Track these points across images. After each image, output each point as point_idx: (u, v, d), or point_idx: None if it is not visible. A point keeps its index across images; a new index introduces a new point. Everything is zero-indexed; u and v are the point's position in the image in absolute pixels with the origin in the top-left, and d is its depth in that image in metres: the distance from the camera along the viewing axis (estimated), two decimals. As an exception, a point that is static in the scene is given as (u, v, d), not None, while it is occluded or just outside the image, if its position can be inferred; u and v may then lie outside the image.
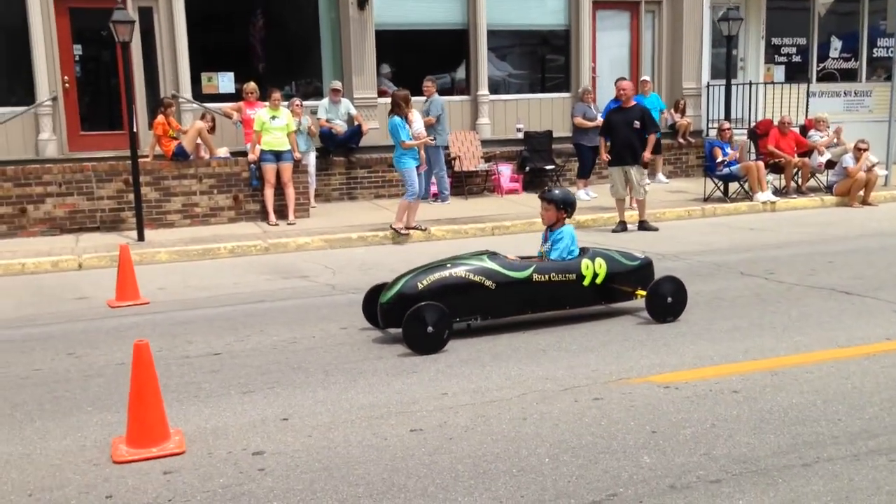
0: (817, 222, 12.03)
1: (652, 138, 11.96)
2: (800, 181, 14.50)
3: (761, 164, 13.72)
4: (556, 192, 7.04)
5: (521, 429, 4.57)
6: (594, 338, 6.30)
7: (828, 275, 8.22)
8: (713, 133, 17.18)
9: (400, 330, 6.21)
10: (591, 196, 14.72)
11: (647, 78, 16.07)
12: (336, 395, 5.22)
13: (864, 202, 13.71)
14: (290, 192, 12.67)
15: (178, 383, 5.53)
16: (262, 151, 12.40)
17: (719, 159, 13.75)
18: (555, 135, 16.15)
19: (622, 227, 11.96)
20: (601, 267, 6.78)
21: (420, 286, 6.33)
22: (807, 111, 16.19)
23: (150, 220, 11.97)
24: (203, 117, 12.95)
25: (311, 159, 13.89)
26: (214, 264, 10.29)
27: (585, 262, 6.76)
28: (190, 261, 10.64)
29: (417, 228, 11.73)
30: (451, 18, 16.24)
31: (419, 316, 6.03)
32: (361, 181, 15.08)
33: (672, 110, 16.96)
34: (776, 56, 18.39)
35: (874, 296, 7.26)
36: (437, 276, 6.39)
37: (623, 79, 13.05)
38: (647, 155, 11.94)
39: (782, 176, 14.44)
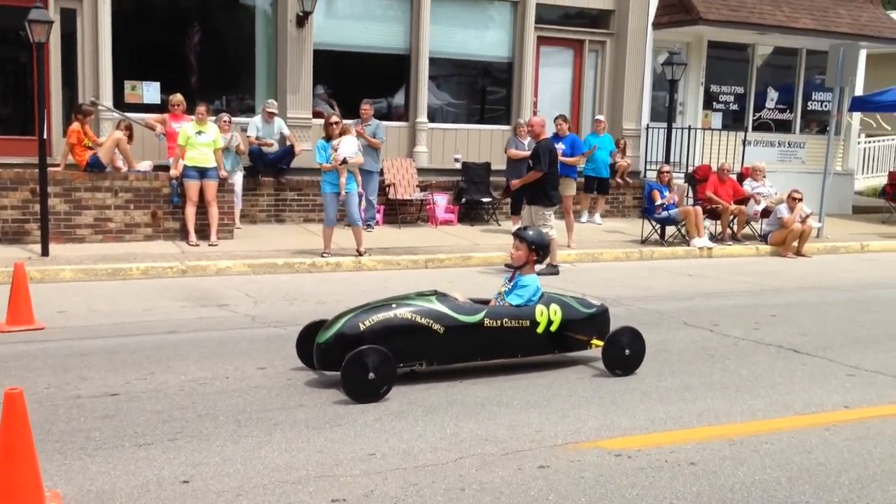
0: (754, 271, 11.85)
1: (531, 174, 11.12)
2: (735, 228, 14.39)
3: (699, 209, 13.56)
4: (531, 232, 6.60)
5: (459, 502, 4.01)
6: (537, 392, 5.80)
7: (773, 329, 7.92)
8: (651, 175, 17.08)
9: (337, 373, 5.66)
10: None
11: (602, 118, 15.89)
12: (248, 452, 4.58)
13: (798, 253, 13.65)
14: (214, 212, 11.95)
15: (64, 430, 4.82)
16: (186, 167, 11.67)
17: (658, 202, 13.53)
18: (493, 167, 15.77)
19: (550, 269, 10.99)
20: (556, 314, 6.31)
21: (362, 327, 5.75)
22: (742, 159, 16.17)
23: (57, 234, 11.10)
24: (119, 126, 12.14)
25: (238, 178, 13.19)
26: (125, 286, 9.51)
27: (540, 308, 6.28)
28: (98, 280, 9.83)
29: (325, 254, 11.15)
30: (393, 43, 15.78)
31: (360, 360, 5.45)
32: (290, 203, 14.41)
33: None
34: (714, 103, 18.44)
35: (823, 355, 6.95)
36: (381, 316, 5.82)
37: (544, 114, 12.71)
38: (514, 182, 11.60)
39: (718, 222, 14.31)
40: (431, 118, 16.20)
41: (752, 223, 14.77)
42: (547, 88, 17.25)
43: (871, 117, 20.92)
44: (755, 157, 16.82)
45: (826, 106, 19.49)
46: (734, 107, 18.61)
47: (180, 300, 8.81)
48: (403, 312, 5.88)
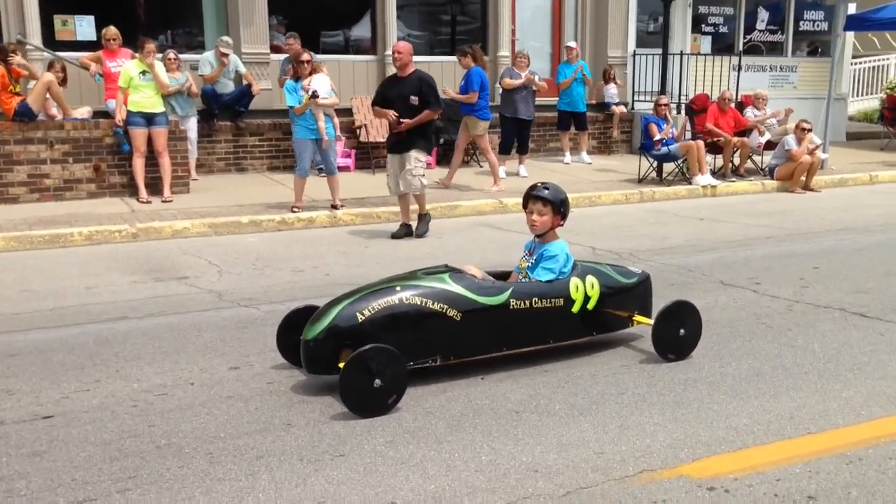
0: (769, 212, 10.80)
1: (426, 113, 9.02)
2: (738, 163, 13.31)
3: (701, 143, 12.44)
4: (549, 189, 5.25)
5: (526, 586, 2.90)
6: (579, 390, 4.68)
7: (824, 286, 6.87)
8: (640, 106, 15.91)
9: (330, 377, 4.54)
10: (524, 175, 13.12)
11: (573, 44, 14.52)
12: (225, 510, 3.42)
13: (807, 187, 12.64)
14: (166, 163, 10.59)
15: (-26, 487, 3.61)
16: (130, 113, 10.24)
17: (656, 137, 12.37)
18: (474, 104, 14.44)
19: (405, 230, 9.32)
20: (593, 288, 5.16)
21: (360, 318, 4.56)
22: (738, 86, 15.01)
23: (-16, 196, 9.67)
24: (51, 67, 10.61)
25: (192, 124, 11.79)
26: (65, 256, 8.19)
27: (574, 281, 5.12)
28: (34, 250, 8.50)
29: (296, 209, 9.88)
30: (356, -34, 14.27)
31: (363, 364, 4.28)
32: (251, 150, 13.03)
33: (603, 81, 15.48)
34: (703, 26, 17.20)
35: (891, 319, 5.91)
36: (383, 303, 4.63)
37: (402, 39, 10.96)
38: (406, 122, 8.93)
39: (719, 156, 13.21)
40: (401, 50, 14.76)
41: (753, 156, 13.71)
42: (525, 16, 15.87)
43: (877, 36, 19.81)
44: (747, 83, 15.68)
45: (818, 26, 18.40)
46: (723, 29, 17.41)
47: (131, 273, 7.53)
48: (411, 297, 4.69)
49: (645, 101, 15.96)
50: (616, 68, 15.83)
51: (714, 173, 12.82)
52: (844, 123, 18.63)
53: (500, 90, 14.85)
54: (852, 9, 18.01)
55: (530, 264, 5.23)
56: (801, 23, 18.08)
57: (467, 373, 4.88)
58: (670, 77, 15.88)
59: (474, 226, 10.01)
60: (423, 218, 9.43)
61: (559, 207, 5.20)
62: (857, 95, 21.32)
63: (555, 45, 16.22)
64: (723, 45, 17.20)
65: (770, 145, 13.43)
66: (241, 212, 9.94)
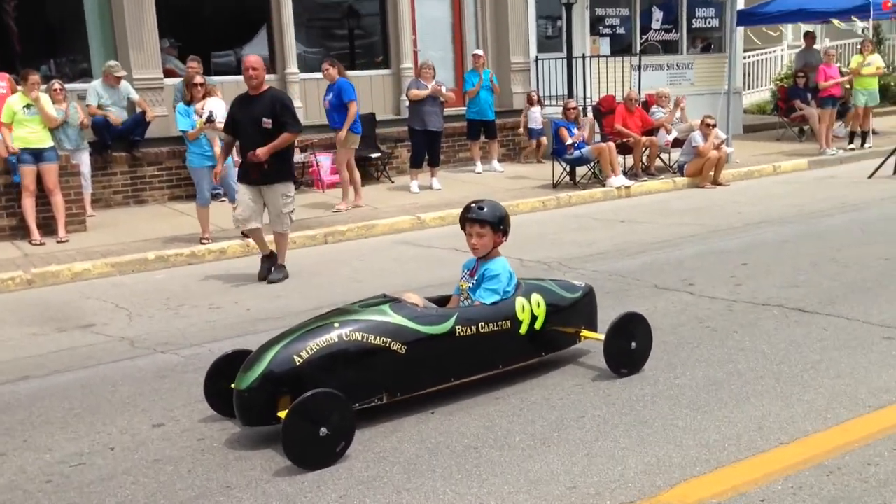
0: (684, 209, 10.84)
1: (284, 137, 7.86)
2: (647, 162, 13.38)
3: (612, 145, 12.42)
4: (486, 207, 4.96)
5: None
6: (536, 416, 4.42)
7: (757, 284, 6.82)
8: (547, 111, 15.88)
9: (269, 428, 4.17)
10: (437, 188, 12.85)
11: (480, 52, 14.35)
12: None
13: (716, 182, 12.78)
14: (58, 201, 9.91)
15: None
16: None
17: (568, 141, 12.31)
18: (379, 118, 14.16)
19: (269, 261, 8.28)
20: (539, 306, 4.91)
21: (298, 360, 4.19)
22: (639, 85, 15.12)
23: None
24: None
25: (84, 157, 11.11)
26: (-46, 312, 7.49)
27: (520, 301, 4.85)
28: (-82, 307, 7.75)
29: (204, 240, 9.38)
30: (248, -18, 13.80)
31: (306, 411, 3.91)
32: (150, 181, 12.39)
33: (528, 104, 15.28)
34: (601, 28, 17.33)
35: (838, 313, 5.88)
36: (321, 342, 4.26)
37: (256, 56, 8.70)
38: (260, 152, 7.67)
39: (626, 157, 13.25)
40: (301, 68, 14.37)
41: (661, 154, 13.81)
42: (425, 25, 15.65)
43: (772, 29, 20.37)
44: (646, 82, 15.80)
45: (710, 22, 18.80)
46: (620, 30, 17.57)
47: (29, 325, 6.92)
48: (351, 333, 4.34)
49: (550, 105, 15.95)
50: (517, 74, 15.76)
51: (625, 173, 12.83)
52: (741, 116, 19.05)
53: (407, 102, 14.63)
54: (741, 4, 18.50)
55: (472, 285, 4.95)
56: (694, 20, 18.44)
57: (416, 408, 4.56)
58: (573, 79, 15.96)
59: (394, 244, 9.68)
60: (281, 268, 8.21)
61: (498, 225, 4.94)
62: (749, 88, 21.89)
63: (457, 54, 16.05)
64: (621, 46, 17.36)
65: (677, 142, 13.55)
66: (146, 247, 9.35)
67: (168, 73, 12.93)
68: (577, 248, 8.75)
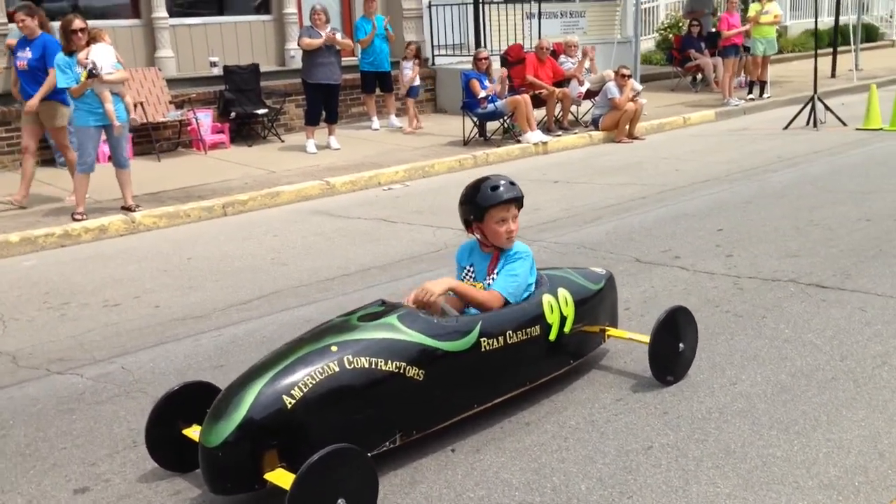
0: (615, 166, 10.10)
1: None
2: (560, 115, 12.58)
3: (528, 98, 11.52)
4: (515, 182, 3.92)
5: None
6: (591, 450, 3.45)
7: (749, 255, 6.10)
8: (440, 60, 14.84)
9: (251, 496, 3.06)
10: (336, 147, 11.61)
11: (371, -6, 13.07)
12: None
13: (631, 135, 12.13)
14: None
15: None
16: None
17: (481, 94, 11.31)
18: (263, 69, 12.69)
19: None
20: (567, 304, 3.92)
21: (289, 402, 3.05)
22: (539, 33, 14.26)
23: None
24: None
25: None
26: None
27: (547, 300, 3.84)
28: None
29: (78, 216, 7.94)
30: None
31: (317, 483, 2.80)
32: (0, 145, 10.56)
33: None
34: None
35: (862, 288, 5.20)
36: (319, 373, 3.14)
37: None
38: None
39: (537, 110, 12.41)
40: (171, 12, 12.68)
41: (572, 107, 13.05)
42: (308, -34, 14.16)
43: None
44: (533, 30, 14.97)
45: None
46: (515, -25, 16.60)
47: None
48: (355, 359, 3.22)
49: (446, 55, 14.90)
50: (410, 21, 14.57)
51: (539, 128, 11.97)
52: (633, 66, 18.57)
53: (293, 53, 13.25)
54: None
55: (489, 283, 3.88)
56: (586, -34, 17.73)
57: (430, 445, 3.51)
58: (469, 28, 14.95)
59: (307, 215, 8.45)
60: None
61: (521, 203, 3.91)
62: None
63: (343, 0, 14.68)
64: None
65: (588, 94, 12.81)
66: (6, 227, 7.75)
67: (11, 18, 10.98)
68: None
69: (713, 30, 17.37)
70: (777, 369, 4.12)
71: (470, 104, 11.50)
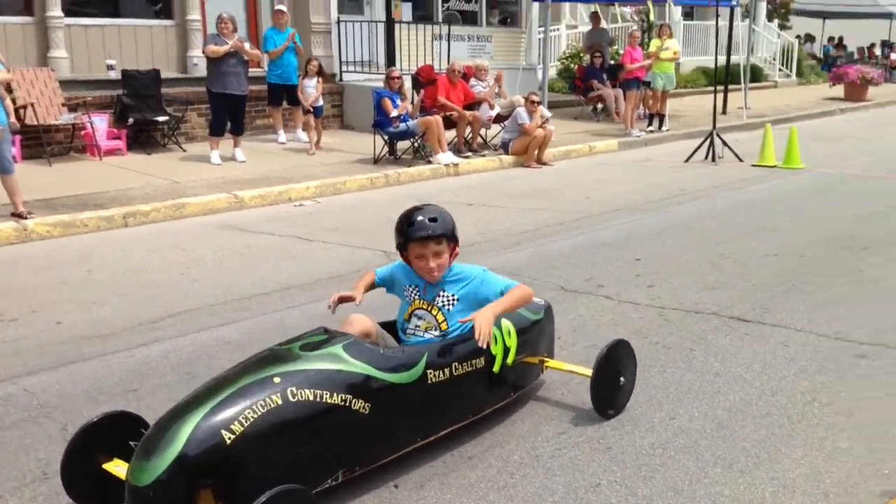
0: (526, 191, 10.14)
1: None
2: (471, 138, 12.59)
3: (440, 119, 11.48)
4: (437, 217, 3.70)
5: None
6: (539, 486, 3.36)
7: (669, 285, 6.17)
8: (348, 77, 14.66)
9: None
10: (241, 159, 11.25)
11: (284, 7, 12.80)
12: None
13: (540, 161, 12.24)
14: None
15: None
16: None
17: (393, 113, 11.20)
18: (165, 75, 12.21)
19: None
20: (510, 335, 3.82)
21: (228, 437, 2.84)
22: (448, 56, 14.28)
23: None
24: None
25: None
26: None
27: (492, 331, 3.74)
28: None
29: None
30: None
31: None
32: None
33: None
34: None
35: (782, 323, 5.32)
36: (261, 406, 2.93)
37: None
38: None
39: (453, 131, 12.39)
40: (66, 11, 12.08)
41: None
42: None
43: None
44: (443, 52, 14.99)
45: (512, -5, 18.37)
46: (422, -5, 16.65)
47: None
48: (300, 391, 3.03)
49: (354, 71, 14.72)
50: (318, 36, 14.35)
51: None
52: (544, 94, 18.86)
53: (195, 61, 12.84)
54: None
55: (435, 324, 3.72)
56: (494, -9, 17.94)
57: (371, 480, 3.34)
58: (375, 45, 14.85)
59: (215, 229, 8.12)
60: None
61: (454, 234, 3.75)
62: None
63: (249, 10, 14.33)
64: (422, 14, 16.45)
65: (497, 118, 12.89)
66: None
67: None
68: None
69: (613, 62, 17.85)
70: (712, 404, 4.14)
71: (381, 122, 11.36)
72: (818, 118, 19.32)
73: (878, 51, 32.36)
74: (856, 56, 31.89)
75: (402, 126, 11.26)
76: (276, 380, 3.04)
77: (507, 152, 12.26)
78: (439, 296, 3.73)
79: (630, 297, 5.87)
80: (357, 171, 10.83)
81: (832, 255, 6.96)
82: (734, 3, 15.67)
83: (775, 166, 11.80)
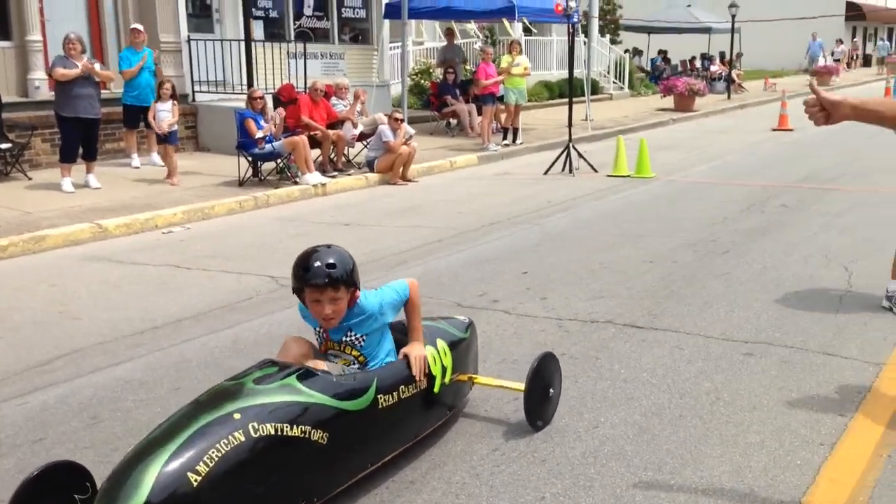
0: (399, 209, 10.21)
1: None
2: (335, 157, 12.52)
3: (306, 139, 11.37)
4: (336, 263, 3.45)
5: None
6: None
7: (561, 296, 6.39)
8: (200, 97, 14.28)
9: None
10: (95, 186, 10.73)
11: (140, 27, 12.32)
12: None
13: (405, 178, 12.34)
14: None
15: None
16: None
17: (258, 134, 11.00)
18: (4, 99, 11.48)
19: None
20: (446, 354, 3.88)
21: (195, 479, 2.74)
22: (305, 74, 14.18)
23: None
24: None
25: None
26: None
27: (430, 351, 3.79)
28: None
29: None
30: None
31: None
32: None
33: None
34: (253, 10, 15.97)
35: (672, 327, 5.61)
36: (224, 445, 2.84)
37: None
38: None
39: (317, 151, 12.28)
40: None
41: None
42: (55, -8, 13.08)
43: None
44: (299, 70, 14.87)
45: (358, 13, 18.42)
46: (274, 14, 16.43)
47: None
48: (262, 426, 2.96)
49: (207, 91, 14.34)
50: (168, 55, 13.89)
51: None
52: (390, 109, 18.98)
53: (37, 84, 12.19)
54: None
55: (350, 361, 3.69)
56: (343, 9, 17.90)
57: (320, 516, 3.30)
58: (230, 64, 14.54)
59: (81, 261, 7.72)
60: None
61: (353, 278, 3.56)
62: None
63: (93, 29, 13.68)
64: (274, 31, 16.24)
65: (362, 136, 12.90)
66: None
67: None
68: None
69: (465, 78, 18.24)
70: (629, 410, 4.34)
71: (245, 144, 11.14)
72: (654, 128, 20.40)
73: (698, 63, 34.55)
74: (679, 69, 33.92)
75: (268, 147, 11.09)
76: (237, 416, 2.95)
77: (372, 170, 12.29)
78: (347, 335, 3.68)
79: (526, 310, 6.04)
80: (223, 194, 10.56)
81: (700, 260, 7.41)
82: (574, 20, 16.38)
83: (629, 176, 12.41)
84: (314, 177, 11.24)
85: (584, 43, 21.86)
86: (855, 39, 48.97)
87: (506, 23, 17.63)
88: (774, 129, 19.09)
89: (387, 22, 18.27)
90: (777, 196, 10.48)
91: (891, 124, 2.97)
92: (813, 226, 8.73)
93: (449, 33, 18.87)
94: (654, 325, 5.66)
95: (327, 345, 3.75)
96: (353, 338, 3.69)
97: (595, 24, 28.01)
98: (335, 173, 12.08)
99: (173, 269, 7.35)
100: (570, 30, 14.78)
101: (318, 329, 3.77)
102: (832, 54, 37.79)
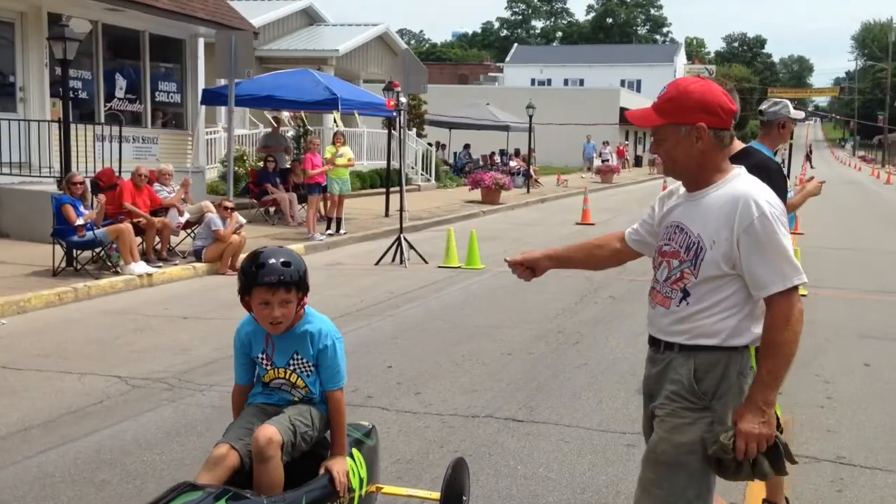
0: (233, 300, 9.64)
1: None
2: (160, 246, 11.90)
3: (130, 227, 10.74)
4: (291, 262, 3.36)
5: None
6: None
7: (434, 390, 6.33)
8: (3, 179, 13.25)
9: None
10: None
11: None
12: None
13: (233, 267, 11.91)
14: None
15: None
16: None
17: (79, 222, 10.28)
18: None
19: None
20: (361, 464, 3.69)
21: None
22: (120, 158, 13.50)
23: None
24: None
25: None
26: None
27: (350, 463, 3.58)
28: None
29: None
30: None
31: None
32: None
33: None
34: (61, 90, 15.09)
35: (551, 420, 5.69)
36: None
37: None
38: None
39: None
40: None
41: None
42: None
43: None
44: (111, 155, 14.15)
45: (173, 97, 17.90)
46: (83, 95, 15.61)
47: None
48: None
49: (9, 174, 13.30)
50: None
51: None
52: (205, 195, 18.40)
53: None
54: (203, 83, 18.10)
55: (287, 377, 3.51)
56: (157, 93, 17.34)
57: None
58: (38, 147, 13.62)
59: None
60: None
61: (305, 282, 3.43)
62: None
63: None
64: (84, 112, 15.42)
65: (187, 224, 12.38)
66: None
67: None
68: (172, 355, 7.18)
69: (287, 166, 18.09)
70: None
71: (62, 231, 10.35)
72: (467, 219, 21.07)
73: (497, 158, 36.30)
74: (481, 162, 35.46)
75: (89, 235, 10.36)
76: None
77: (199, 260, 11.78)
78: (293, 359, 3.49)
79: (404, 405, 5.93)
80: (37, 285, 9.71)
81: (555, 351, 7.62)
82: (394, 113, 16.78)
83: (459, 267, 12.66)
84: (140, 266, 10.61)
85: (402, 136, 22.41)
86: (627, 142, 53.36)
87: (336, 114, 17.74)
88: (578, 224, 20.24)
89: (203, 108, 17.88)
90: (603, 288, 11.04)
91: (583, 267, 3.52)
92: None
93: (276, 121, 18.72)
94: (534, 419, 5.72)
95: (269, 375, 3.53)
96: (299, 363, 3.49)
97: (404, 118, 28.88)
98: (160, 263, 11.47)
99: (2, 371, 6.62)
100: (399, 123, 15.04)
101: (260, 356, 3.56)
102: (600, 155, 41.04)
